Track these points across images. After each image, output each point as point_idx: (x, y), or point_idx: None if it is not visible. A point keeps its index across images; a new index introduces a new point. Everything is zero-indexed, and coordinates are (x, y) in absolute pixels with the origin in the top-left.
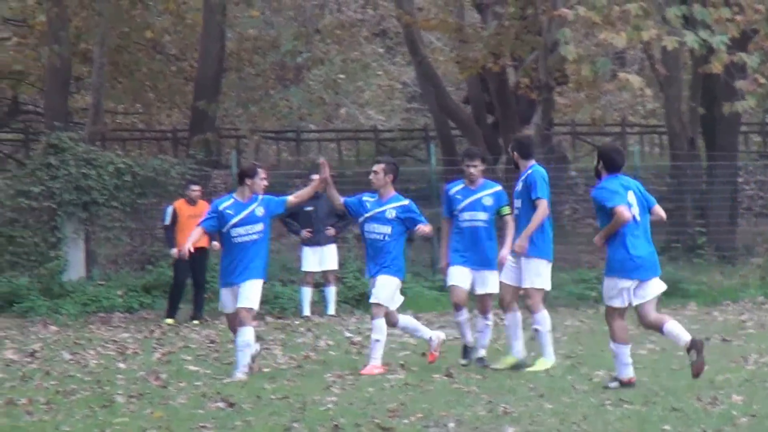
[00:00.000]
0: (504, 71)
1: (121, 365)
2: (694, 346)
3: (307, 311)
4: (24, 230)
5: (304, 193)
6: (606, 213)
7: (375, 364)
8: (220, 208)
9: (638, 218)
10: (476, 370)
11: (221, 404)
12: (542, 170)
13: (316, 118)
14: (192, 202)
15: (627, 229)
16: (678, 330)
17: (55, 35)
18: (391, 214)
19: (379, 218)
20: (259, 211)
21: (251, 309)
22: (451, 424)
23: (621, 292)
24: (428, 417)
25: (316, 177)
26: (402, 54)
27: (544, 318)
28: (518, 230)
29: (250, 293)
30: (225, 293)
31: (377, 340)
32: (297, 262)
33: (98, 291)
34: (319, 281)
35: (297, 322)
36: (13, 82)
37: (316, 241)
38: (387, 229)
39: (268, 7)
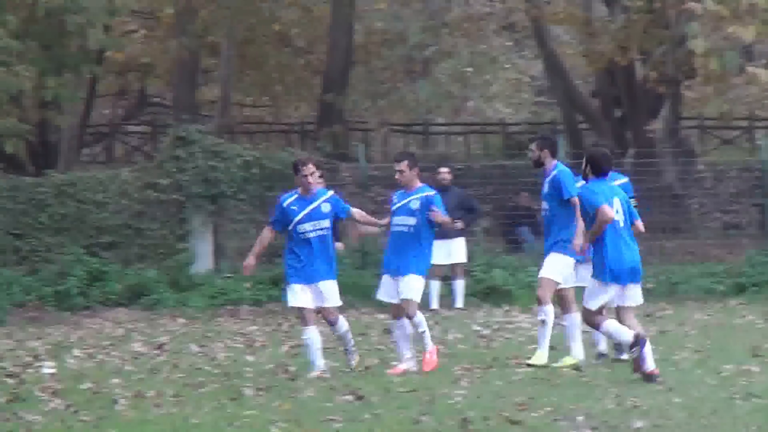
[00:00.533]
0: (632, 65)
1: (250, 358)
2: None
3: (435, 304)
4: (152, 222)
5: (368, 221)
6: (591, 215)
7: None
8: (285, 204)
9: (622, 224)
10: (605, 363)
11: (349, 397)
12: (566, 169)
13: (444, 112)
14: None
15: (612, 234)
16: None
17: (182, 28)
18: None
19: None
20: (326, 207)
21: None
22: (580, 418)
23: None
24: (557, 410)
25: (443, 170)
26: (530, 47)
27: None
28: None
29: (332, 294)
30: (300, 289)
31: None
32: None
33: (226, 284)
34: (447, 274)
35: (425, 316)
36: (140, 74)
37: (444, 234)
38: (412, 221)
39: (395, 0)
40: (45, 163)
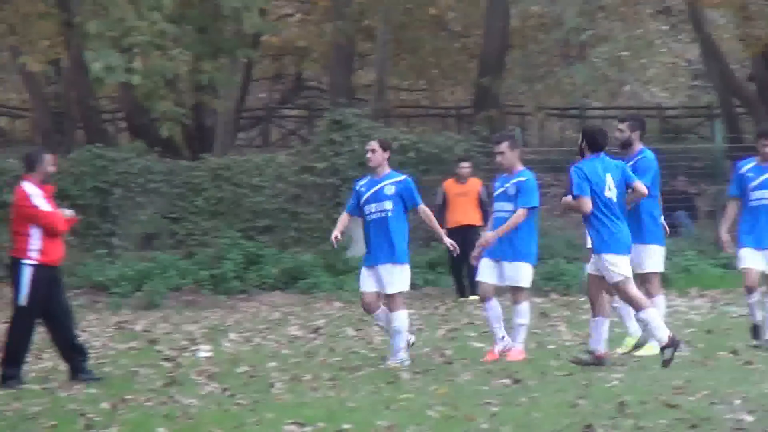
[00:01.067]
0: None
1: None
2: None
3: None
4: (308, 206)
5: (433, 225)
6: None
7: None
8: (358, 186)
9: (614, 199)
10: (763, 347)
11: (506, 381)
12: (651, 156)
13: (601, 96)
14: (461, 179)
15: (604, 211)
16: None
17: (339, 12)
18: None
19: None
20: (389, 190)
21: (400, 293)
22: (737, 402)
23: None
24: (714, 394)
25: None
26: (686, 31)
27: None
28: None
29: (392, 278)
30: (364, 273)
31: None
32: (581, 239)
33: None
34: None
35: (582, 299)
36: (296, 58)
37: None
38: (510, 206)
39: None
40: (201, 147)
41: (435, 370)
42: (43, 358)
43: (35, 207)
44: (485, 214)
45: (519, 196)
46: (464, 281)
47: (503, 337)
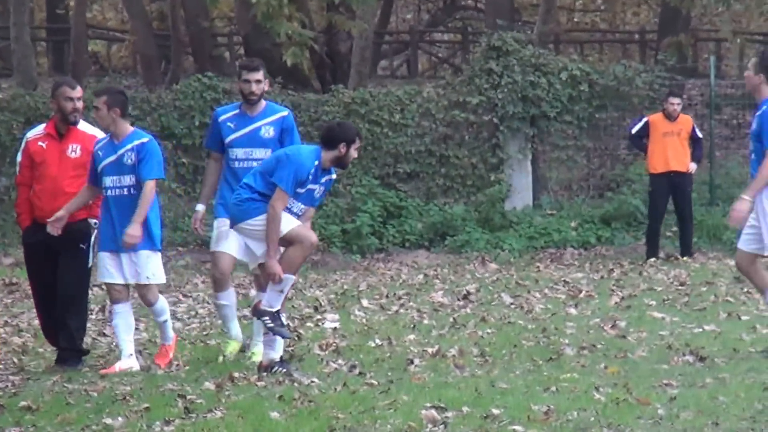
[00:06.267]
0: None
1: (572, 311)
2: None
3: None
4: (459, 149)
5: None
6: None
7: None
8: None
9: None
10: None
11: (689, 358)
12: None
13: None
14: (670, 117)
15: None
16: None
17: None
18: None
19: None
20: None
21: None
22: None
23: None
24: None
25: None
26: None
27: None
28: None
29: None
30: None
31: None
32: None
33: (547, 222)
34: None
35: None
36: None
37: None
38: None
39: None
40: (333, 77)
41: (605, 344)
42: (138, 328)
43: None
44: (696, 157)
45: None
46: (658, 242)
47: None
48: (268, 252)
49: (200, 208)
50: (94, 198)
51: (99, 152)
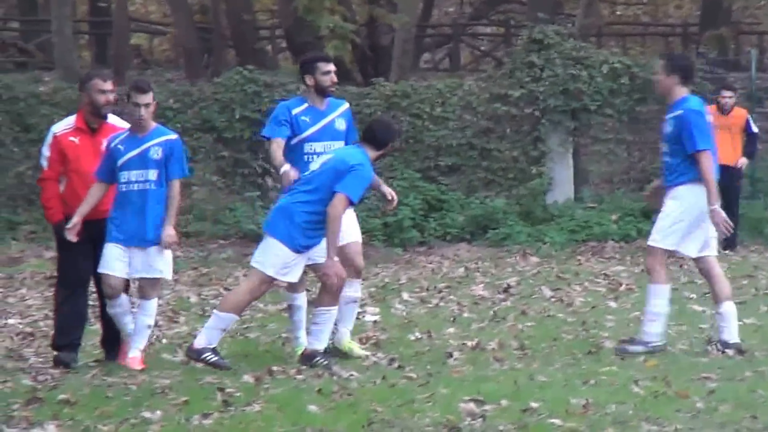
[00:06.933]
0: None
1: (612, 304)
2: None
3: None
4: (500, 142)
5: None
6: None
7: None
8: None
9: None
10: None
11: (730, 352)
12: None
13: None
14: (722, 110)
15: None
16: None
17: None
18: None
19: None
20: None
21: None
22: None
23: None
24: None
25: None
26: None
27: None
28: None
29: None
30: None
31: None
32: None
33: (589, 215)
34: None
35: None
36: None
37: None
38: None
39: None
40: (374, 70)
41: None
42: (178, 321)
43: None
44: (749, 151)
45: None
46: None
47: None
48: (328, 252)
49: (286, 166)
50: (104, 195)
51: (119, 146)
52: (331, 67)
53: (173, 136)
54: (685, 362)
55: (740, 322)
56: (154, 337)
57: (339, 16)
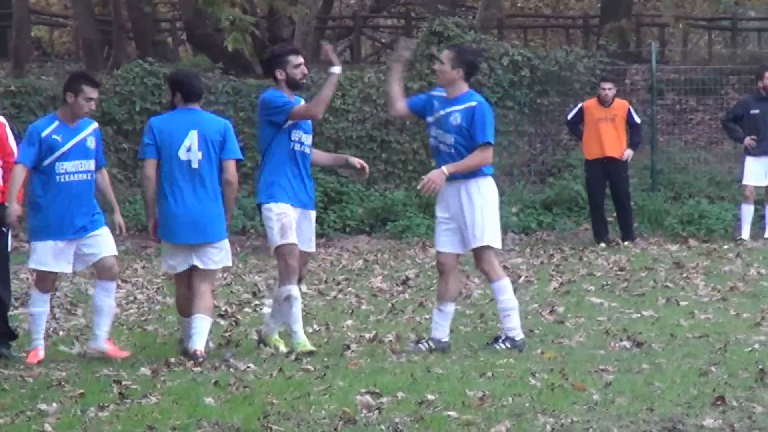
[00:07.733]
0: None
1: None
2: None
3: (745, 234)
4: (400, 134)
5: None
6: None
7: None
8: None
9: None
10: None
11: (627, 343)
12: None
13: (755, 4)
14: (604, 102)
15: None
16: None
17: None
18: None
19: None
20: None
21: None
22: None
23: None
24: None
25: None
26: None
27: None
28: None
29: None
30: None
31: None
32: (729, 174)
33: None
34: (760, 198)
35: (726, 247)
36: None
37: (763, 150)
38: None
39: None
40: None
41: (542, 329)
42: (76, 314)
43: None
44: (633, 142)
45: None
46: (605, 224)
47: None
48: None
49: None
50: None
51: (55, 137)
52: (301, 59)
53: (96, 124)
54: (582, 355)
55: (638, 315)
56: (51, 329)
57: (239, 9)
